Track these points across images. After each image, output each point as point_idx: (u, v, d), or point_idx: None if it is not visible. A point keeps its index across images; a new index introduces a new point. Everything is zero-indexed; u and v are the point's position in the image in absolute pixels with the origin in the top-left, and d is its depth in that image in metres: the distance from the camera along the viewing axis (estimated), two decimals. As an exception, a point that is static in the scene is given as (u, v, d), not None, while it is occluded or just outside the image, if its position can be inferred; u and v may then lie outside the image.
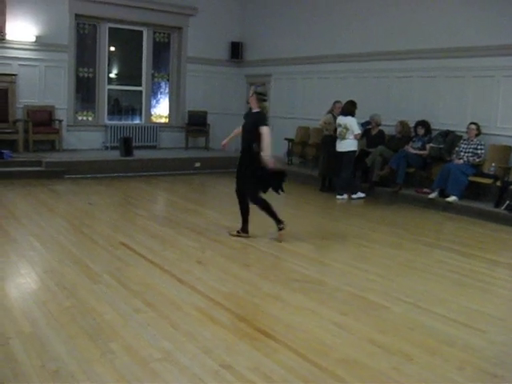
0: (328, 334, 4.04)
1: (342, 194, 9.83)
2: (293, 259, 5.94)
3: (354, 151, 9.74)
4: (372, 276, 5.50)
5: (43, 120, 12.18)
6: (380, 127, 10.65)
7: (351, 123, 9.62)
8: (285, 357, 3.63)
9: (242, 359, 3.58)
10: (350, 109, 9.73)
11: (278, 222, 6.67)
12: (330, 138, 10.22)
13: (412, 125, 10.34)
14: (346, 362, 3.62)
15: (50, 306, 4.35)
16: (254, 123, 6.58)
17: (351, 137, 9.62)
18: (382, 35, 11.11)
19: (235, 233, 6.79)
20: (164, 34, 14.43)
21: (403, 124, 10.41)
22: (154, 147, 13.63)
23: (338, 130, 9.76)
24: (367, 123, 10.61)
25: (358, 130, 9.67)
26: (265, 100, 6.73)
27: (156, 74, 14.52)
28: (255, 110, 6.65)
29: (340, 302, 4.72)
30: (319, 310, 4.51)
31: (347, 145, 9.68)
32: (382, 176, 10.18)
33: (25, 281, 5.06)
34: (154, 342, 3.78)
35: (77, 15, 12.79)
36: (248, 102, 6.83)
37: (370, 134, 10.60)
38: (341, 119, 9.77)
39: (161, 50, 14.51)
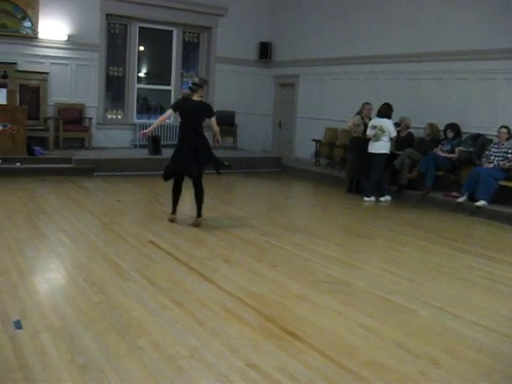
0: (354, 335, 4.03)
1: (369, 196, 9.78)
2: (321, 260, 5.93)
3: (386, 154, 9.67)
4: (400, 279, 5.46)
5: (73, 118, 12.35)
6: (409, 130, 10.57)
7: (388, 125, 9.57)
8: (311, 358, 3.62)
9: (268, 359, 3.58)
10: (386, 111, 9.68)
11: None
12: (359, 139, 10.17)
13: (441, 127, 10.23)
14: (372, 364, 3.60)
15: (78, 301, 4.41)
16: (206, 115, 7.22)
17: (385, 139, 9.56)
18: (413, 36, 11.01)
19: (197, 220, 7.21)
20: (194, 33, 14.51)
21: (432, 126, 10.31)
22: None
23: (373, 131, 9.69)
24: (396, 125, 10.52)
25: (394, 133, 9.65)
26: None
27: (185, 74, 14.61)
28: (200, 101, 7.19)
29: (367, 304, 4.69)
30: (346, 311, 4.49)
31: (380, 147, 9.61)
32: (411, 179, 10.09)
33: (54, 276, 5.14)
34: (180, 339, 3.80)
35: (108, 15, 12.94)
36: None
37: (399, 137, 10.50)
38: (376, 121, 9.71)
39: (190, 50, 14.60)
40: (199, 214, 7.21)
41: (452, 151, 9.78)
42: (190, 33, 14.45)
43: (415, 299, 4.89)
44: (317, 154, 13.02)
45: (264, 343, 3.82)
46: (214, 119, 7.17)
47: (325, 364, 3.54)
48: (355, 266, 5.92)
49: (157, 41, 14.55)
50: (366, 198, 9.77)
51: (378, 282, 5.32)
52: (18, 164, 10.47)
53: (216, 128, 7.25)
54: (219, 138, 7.54)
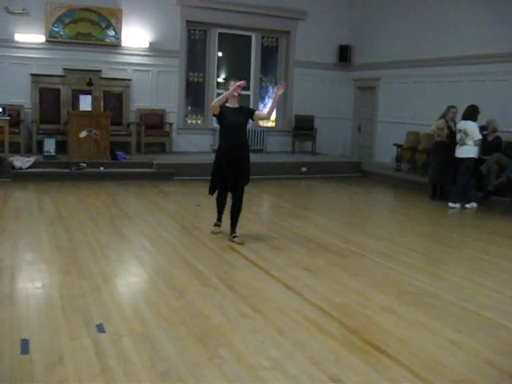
0: (443, 351, 3.81)
1: (455, 202, 9.39)
2: (405, 270, 5.70)
3: (473, 158, 9.27)
4: (489, 291, 5.17)
5: (155, 123, 12.60)
6: (497, 133, 10.09)
7: (472, 128, 9.17)
8: (398, 374, 3.45)
9: (352, 373, 3.44)
10: (471, 113, 9.29)
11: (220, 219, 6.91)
12: (442, 144, 9.81)
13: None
14: (462, 382, 3.39)
15: (160, 306, 4.41)
16: (247, 114, 6.52)
17: (471, 143, 9.17)
18: (499, 35, 10.52)
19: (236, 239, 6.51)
20: (272, 38, 14.49)
21: (522, 130, 9.81)
22: (260, 151, 13.62)
23: (458, 135, 9.33)
24: (483, 128, 10.08)
25: (478, 136, 9.21)
26: None
27: (264, 78, 14.61)
28: (238, 104, 6.51)
29: (456, 318, 4.45)
30: (433, 325, 4.27)
31: (466, 151, 9.23)
32: (498, 185, 9.61)
33: (136, 280, 5.20)
34: (261, 349, 3.72)
35: (188, 22, 13.13)
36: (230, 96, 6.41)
37: (486, 141, 10.05)
38: (461, 124, 9.35)
39: (269, 54, 14.58)
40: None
41: (543, 156, 9.27)
42: (268, 37, 14.44)
43: (507, 314, 4.61)
44: (398, 159, 12.67)
45: (347, 356, 3.67)
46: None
47: (413, 382, 3.36)
48: (441, 277, 5.66)
49: (236, 46, 14.63)
50: (451, 204, 9.39)
51: (465, 295, 5.05)
52: (101, 168, 10.76)
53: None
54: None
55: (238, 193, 6.54)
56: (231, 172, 6.39)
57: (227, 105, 6.41)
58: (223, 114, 6.34)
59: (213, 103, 6.44)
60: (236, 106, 6.45)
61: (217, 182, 6.63)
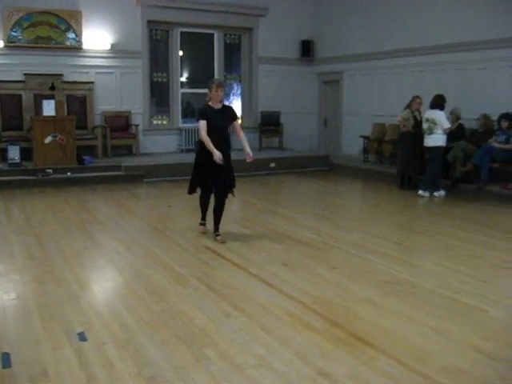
0: (427, 340, 3.85)
1: (425, 190, 9.51)
2: (380, 260, 5.75)
3: (442, 146, 9.40)
4: (465, 277, 5.24)
5: (120, 125, 12.45)
6: (459, 121, 10.24)
7: (440, 117, 9.30)
8: (384, 364, 3.47)
9: (339, 366, 3.45)
10: (437, 102, 9.42)
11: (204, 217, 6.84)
12: (409, 134, 9.95)
13: (495, 118, 9.89)
14: (449, 369, 3.43)
15: (140, 310, 4.36)
16: (231, 118, 6.45)
17: (439, 131, 9.30)
18: (460, 25, 10.68)
19: (219, 238, 6.47)
20: (235, 35, 14.46)
21: (486, 117, 9.97)
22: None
23: (425, 124, 9.45)
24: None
25: (447, 124, 9.34)
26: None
27: (228, 76, 14.58)
28: (221, 104, 6.41)
29: (435, 306, 4.50)
30: (414, 314, 4.32)
31: (435, 140, 9.35)
32: (465, 172, 9.78)
33: (114, 286, 5.14)
34: (247, 347, 3.71)
35: (149, 21, 13.00)
36: (220, 96, 6.31)
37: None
38: (428, 113, 9.46)
39: (232, 52, 14.55)
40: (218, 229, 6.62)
41: (507, 142, 9.43)
42: (231, 35, 14.41)
43: (485, 298, 4.68)
44: (365, 151, 12.80)
45: (333, 350, 3.69)
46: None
47: (400, 371, 3.39)
48: (416, 265, 5.73)
49: (198, 44, 14.54)
50: (420, 192, 9.51)
51: (441, 281, 5.12)
52: (68, 173, 10.60)
53: None
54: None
55: (223, 193, 6.49)
56: (217, 173, 6.29)
57: (210, 104, 6.32)
58: (207, 116, 6.24)
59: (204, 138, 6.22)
60: (219, 106, 6.35)
61: (199, 183, 6.57)
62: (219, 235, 6.48)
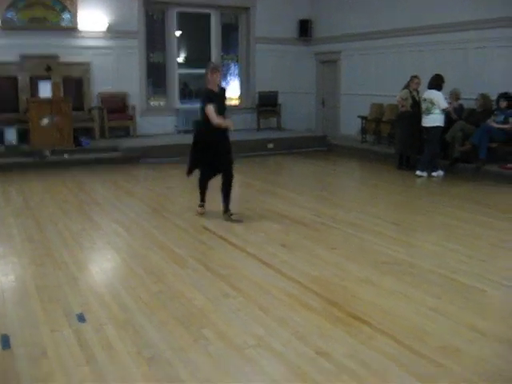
0: (424, 319, 3.87)
1: (422, 170, 9.49)
2: (378, 240, 5.76)
3: (440, 126, 9.37)
4: (463, 257, 5.26)
5: (117, 107, 12.38)
6: (459, 101, 10.20)
7: (437, 97, 9.25)
8: (382, 343, 3.49)
9: (337, 346, 3.47)
10: (435, 82, 9.36)
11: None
12: (407, 114, 9.90)
13: (493, 98, 9.85)
14: (447, 348, 3.45)
15: (139, 291, 4.37)
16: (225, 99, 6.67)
17: (437, 111, 9.27)
18: (457, 4, 10.59)
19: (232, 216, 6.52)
20: (232, 15, 14.32)
21: (484, 97, 9.92)
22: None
23: (424, 104, 9.41)
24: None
25: (444, 104, 9.30)
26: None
27: (225, 56, 14.47)
28: (219, 86, 6.56)
29: (433, 285, 4.52)
30: (412, 293, 4.33)
31: (433, 120, 9.32)
32: (463, 152, 9.76)
33: (112, 266, 5.15)
34: (245, 327, 3.72)
35: (145, 1, 12.85)
36: (217, 80, 6.48)
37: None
38: (427, 93, 9.42)
39: (229, 32, 14.43)
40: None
41: (506, 122, 9.40)
42: (228, 14, 14.27)
43: (482, 278, 4.69)
44: (363, 131, 12.74)
45: (331, 329, 3.71)
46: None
47: (398, 350, 3.41)
48: (414, 245, 5.75)
49: (195, 25, 14.41)
50: (418, 172, 9.49)
51: (440, 261, 5.13)
52: (65, 155, 10.56)
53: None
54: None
55: (230, 169, 6.52)
56: (220, 151, 6.41)
57: (211, 88, 6.37)
58: (213, 100, 6.26)
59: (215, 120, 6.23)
60: (217, 89, 6.44)
61: (200, 163, 6.60)
62: (233, 214, 6.52)
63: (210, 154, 6.43)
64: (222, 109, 6.38)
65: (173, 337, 3.59)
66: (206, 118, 6.29)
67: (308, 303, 4.13)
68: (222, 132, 6.40)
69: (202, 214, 6.74)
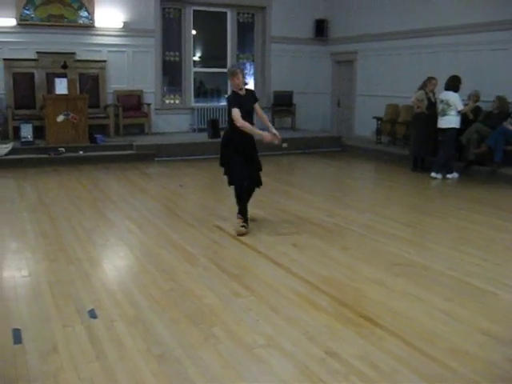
0: (435, 321, 3.85)
1: (437, 172, 9.44)
2: (392, 242, 5.73)
3: (455, 128, 9.31)
4: (476, 260, 5.22)
5: (132, 104, 12.44)
6: (478, 103, 10.10)
7: (454, 99, 9.20)
8: (392, 345, 3.48)
9: (347, 346, 3.46)
10: (452, 83, 9.31)
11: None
12: (422, 115, 9.84)
13: (510, 100, 9.75)
14: (457, 351, 3.42)
15: (150, 289, 4.39)
16: (253, 101, 6.15)
17: (453, 113, 9.21)
18: (475, 6, 10.50)
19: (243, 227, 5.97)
20: (248, 14, 14.33)
21: (501, 99, 9.83)
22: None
23: (440, 106, 9.36)
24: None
25: (461, 106, 9.24)
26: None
27: (241, 55, 14.48)
28: (244, 89, 6.07)
29: (445, 288, 4.49)
30: (424, 295, 4.31)
31: (449, 121, 9.26)
32: (478, 154, 9.68)
33: (125, 264, 5.17)
34: (256, 327, 3.72)
35: (162, 0, 12.89)
36: (238, 84, 5.96)
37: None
38: (443, 95, 9.36)
39: (245, 31, 14.43)
40: None
41: (522, 124, 9.32)
42: (244, 13, 14.27)
43: (495, 281, 4.66)
44: (378, 132, 12.70)
45: (341, 330, 3.70)
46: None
47: (407, 352, 3.39)
48: (428, 247, 5.70)
49: (211, 23, 14.44)
50: (433, 174, 9.44)
51: (453, 264, 5.09)
52: (80, 152, 10.64)
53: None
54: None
55: (255, 176, 6.12)
56: (248, 160, 6.02)
57: (236, 91, 6.00)
58: (239, 103, 5.91)
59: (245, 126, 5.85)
60: (244, 92, 6.03)
61: (240, 172, 6.03)
62: (243, 225, 5.99)
63: (239, 157, 6.02)
64: (250, 113, 6.05)
65: (183, 335, 3.60)
66: (232, 122, 5.92)
67: (319, 303, 4.12)
68: (249, 136, 6.03)
69: (242, 235, 5.90)
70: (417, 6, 11.83)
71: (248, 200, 6.17)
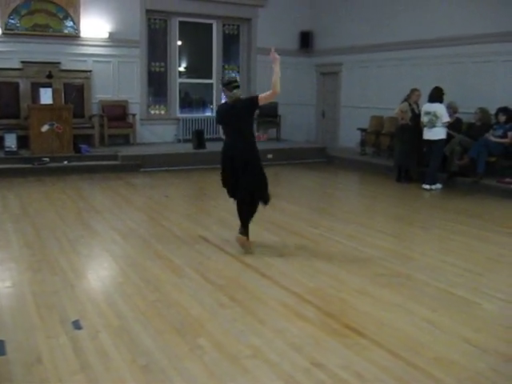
0: (420, 331, 3.87)
1: (430, 184, 9.50)
2: (376, 252, 5.77)
3: (444, 139, 9.42)
4: (460, 270, 5.26)
5: (117, 114, 12.42)
6: (456, 115, 10.22)
7: (441, 110, 9.31)
8: (377, 355, 3.49)
9: (332, 357, 3.47)
10: (438, 95, 9.41)
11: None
12: (406, 126, 9.94)
13: (492, 112, 9.88)
14: (442, 361, 3.45)
15: (135, 299, 4.37)
16: (246, 112, 5.70)
17: (440, 124, 9.31)
18: (458, 19, 10.66)
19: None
20: (233, 25, 14.40)
21: (483, 111, 9.96)
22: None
23: (427, 118, 9.43)
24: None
25: (447, 118, 9.35)
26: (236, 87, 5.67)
27: (226, 66, 14.53)
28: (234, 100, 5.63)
29: (429, 298, 4.52)
30: (409, 305, 4.34)
31: (437, 133, 9.36)
32: (461, 166, 9.79)
33: (109, 274, 5.14)
34: (241, 338, 3.72)
35: (148, 10, 12.94)
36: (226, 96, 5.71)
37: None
38: (429, 106, 9.45)
39: (230, 42, 14.50)
40: None
41: (504, 136, 9.43)
42: (229, 25, 14.35)
43: (478, 291, 4.70)
44: (362, 143, 12.78)
45: (327, 341, 3.71)
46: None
47: (392, 362, 3.41)
48: (412, 258, 5.74)
49: (196, 34, 14.48)
50: (426, 187, 9.49)
51: (437, 274, 5.13)
52: (65, 162, 10.59)
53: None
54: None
55: (243, 192, 5.72)
56: (237, 177, 5.68)
57: (224, 103, 5.72)
58: (219, 116, 5.70)
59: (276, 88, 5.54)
60: (232, 103, 5.65)
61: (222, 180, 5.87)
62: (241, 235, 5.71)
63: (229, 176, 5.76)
64: (232, 128, 5.67)
65: (168, 345, 3.59)
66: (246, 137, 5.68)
67: (304, 314, 4.13)
68: (236, 150, 5.64)
69: (243, 246, 5.72)
70: (401, 19, 11.98)
71: (245, 216, 5.75)
